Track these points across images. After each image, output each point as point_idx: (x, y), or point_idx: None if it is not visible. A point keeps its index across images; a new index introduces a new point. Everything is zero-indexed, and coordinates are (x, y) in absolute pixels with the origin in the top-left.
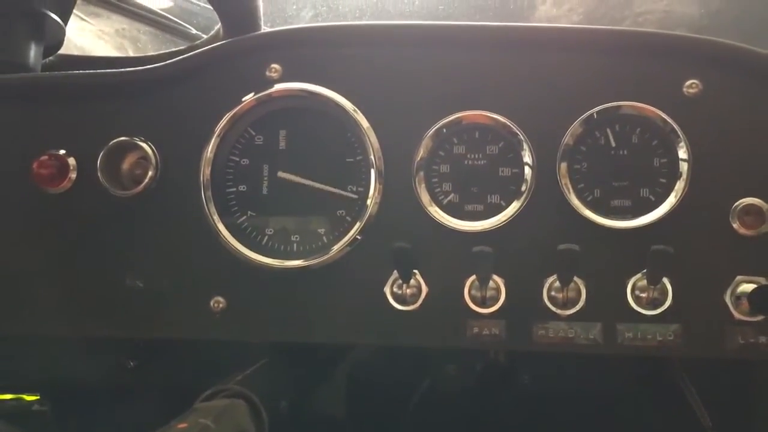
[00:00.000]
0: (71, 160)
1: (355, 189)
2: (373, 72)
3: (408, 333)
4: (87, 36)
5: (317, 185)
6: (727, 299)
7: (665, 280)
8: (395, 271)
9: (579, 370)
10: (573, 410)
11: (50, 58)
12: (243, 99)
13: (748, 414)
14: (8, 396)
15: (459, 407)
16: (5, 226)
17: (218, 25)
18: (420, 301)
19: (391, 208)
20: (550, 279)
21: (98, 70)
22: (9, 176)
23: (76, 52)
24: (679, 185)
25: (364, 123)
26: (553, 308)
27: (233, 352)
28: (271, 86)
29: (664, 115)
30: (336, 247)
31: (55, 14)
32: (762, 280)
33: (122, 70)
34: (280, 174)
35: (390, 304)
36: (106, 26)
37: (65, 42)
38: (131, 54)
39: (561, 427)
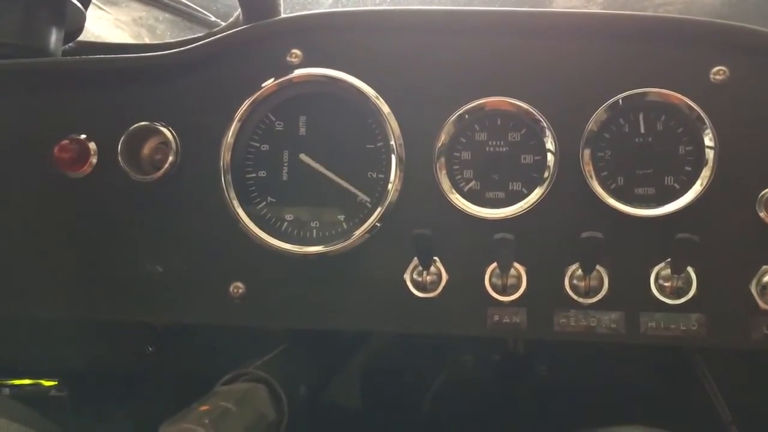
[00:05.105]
0: (92, 145)
1: (375, 175)
2: (394, 58)
3: (428, 320)
4: (104, 25)
5: (337, 179)
6: (753, 289)
7: (690, 270)
8: (415, 258)
9: (595, 360)
10: (587, 401)
11: (69, 44)
12: (263, 84)
13: None
14: (27, 381)
15: (475, 396)
16: (26, 210)
17: (238, 11)
18: (440, 289)
19: (412, 194)
20: (572, 267)
21: (119, 55)
22: (30, 160)
23: None
24: (705, 173)
25: (385, 109)
26: (575, 297)
27: (252, 338)
28: (292, 71)
29: (690, 102)
30: (356, 234)
31: None
32: None
33: (143, 55)
34: (302, 156)
35: (410, 291)
36: (123, 15)
37: (83, 31)
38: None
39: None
